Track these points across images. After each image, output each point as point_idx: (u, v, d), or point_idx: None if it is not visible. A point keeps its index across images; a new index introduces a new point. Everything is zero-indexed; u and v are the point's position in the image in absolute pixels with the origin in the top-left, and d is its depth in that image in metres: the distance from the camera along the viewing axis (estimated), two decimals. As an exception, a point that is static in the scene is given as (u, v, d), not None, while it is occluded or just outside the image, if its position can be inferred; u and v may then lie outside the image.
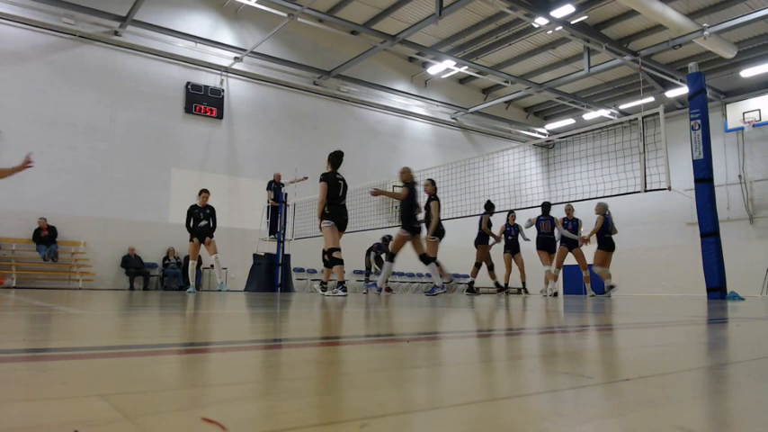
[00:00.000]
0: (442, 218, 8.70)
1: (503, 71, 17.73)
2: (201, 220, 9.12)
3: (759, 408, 0.80)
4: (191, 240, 9.05)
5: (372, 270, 14.53)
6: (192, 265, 9.15)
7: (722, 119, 17.21)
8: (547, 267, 11.10)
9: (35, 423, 0.63)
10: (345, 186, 7.11)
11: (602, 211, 10.68)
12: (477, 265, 11.30)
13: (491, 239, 11.37)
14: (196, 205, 9.21)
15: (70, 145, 12.79)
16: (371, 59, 16.80)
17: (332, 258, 6.91)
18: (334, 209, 6.89)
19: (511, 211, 11.67)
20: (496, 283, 11.58)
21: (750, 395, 0.89)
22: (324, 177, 6.91)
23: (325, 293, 7.48)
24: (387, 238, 12.88)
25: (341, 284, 6.75)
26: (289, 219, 12.61)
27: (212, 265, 9.64)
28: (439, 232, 8.63)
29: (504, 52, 17.28)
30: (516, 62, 17.72)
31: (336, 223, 6.90)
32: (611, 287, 10.78)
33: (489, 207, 11.01)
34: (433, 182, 8.99)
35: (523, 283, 11.73)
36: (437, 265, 8.23)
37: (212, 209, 9.32)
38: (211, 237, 9.11)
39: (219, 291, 9.08)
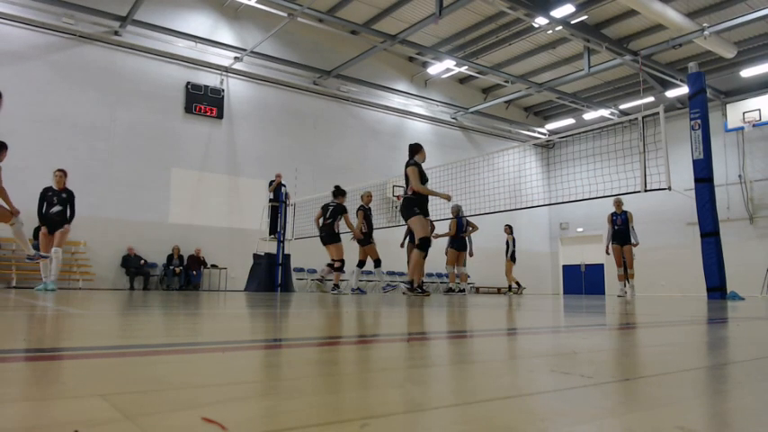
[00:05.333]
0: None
1: (503, 71, 17.73)
2: (55, 205, 7.91)
3: (759, 407, 0.80)
4: (40, 229, 7.85)
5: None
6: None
7: (722, 119, 17.21)
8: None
9: (35, 423, 0.63)
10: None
11: (456, 212, 11.23)
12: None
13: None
14: (50, 187, 7.98)
15: (70, 145, 12.79)
16: (371, 59, 16.80)
17: None
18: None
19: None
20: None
21: (750, 395, 0.89)
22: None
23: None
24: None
25: None
26: (289, 218, 12.61)
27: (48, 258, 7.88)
28: None
29: (504, 52, 17.28)
30: (516, 62, 17.72)
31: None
32: (462, 290, 11.43)
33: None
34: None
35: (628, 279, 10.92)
36: None
37: (70, 193, 8.09)
38: (69, 223, 8.02)
39: (44, 290, 7.52)
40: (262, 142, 15.60)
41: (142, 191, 13.63)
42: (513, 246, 13.50)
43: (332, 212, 9.27)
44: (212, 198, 14.64)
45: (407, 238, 11.01)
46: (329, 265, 9.31)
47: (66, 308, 3.45)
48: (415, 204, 7.28)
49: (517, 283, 13.77)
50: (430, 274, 16.46)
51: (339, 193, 9.41)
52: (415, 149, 7.58)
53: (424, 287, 7.69)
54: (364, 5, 15.13)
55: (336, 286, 9.17)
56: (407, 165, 7.39)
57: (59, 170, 8.14)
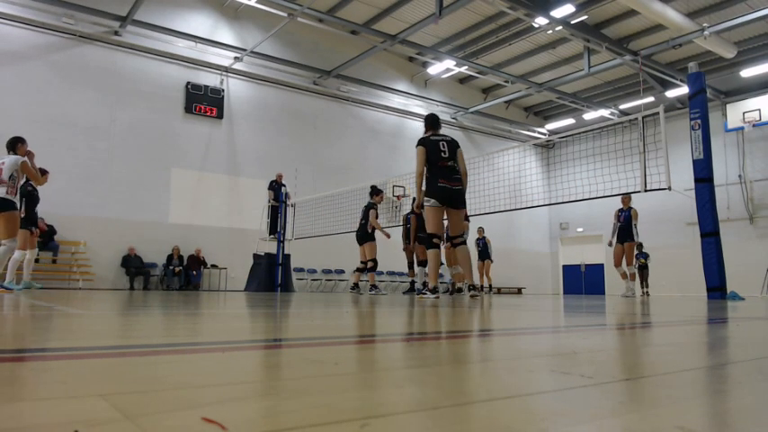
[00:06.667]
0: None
1: (503, 71, 17.74)
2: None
3: (759, 407, 0.80)
4: (30, 228, 7.53)
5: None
6: (31, 255, 7.51)
7: (722, 119, 17.22)
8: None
9: (35, 423, 0.63)
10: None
11: None
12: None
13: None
14: (36, 188, 7.72)
15: (70, 145, 12.79)
16: (371, 59, 16.81)
17: None
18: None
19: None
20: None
21: (750, 395, 0.89)
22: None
23: None
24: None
25: None
26: (289, 218, 12.61)
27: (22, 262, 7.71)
28: None
29: (504, 52, 17.29)
30: (516, 62, 17.73)
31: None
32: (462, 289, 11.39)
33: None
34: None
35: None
36: None
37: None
38: (37, 226, 7.88)
39: (22, 289, 7.45)
40: (262, 142, 15.60)
41: (142, 191, 13.63)
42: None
43: (363, 212, 9.56)
44: (212, 198, 14.64)
45: (408, 238, 10.63)
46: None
47: (66, 308, 3.45)
48: None
49: (482, 285, 13.75)
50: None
51: (370, 192, 9.69)
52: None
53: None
54: (364, 5, 15.14)
55: (375, 286, 9.37)
56: (458, 145, 6.07)
57: (45, 169, 7.72)
